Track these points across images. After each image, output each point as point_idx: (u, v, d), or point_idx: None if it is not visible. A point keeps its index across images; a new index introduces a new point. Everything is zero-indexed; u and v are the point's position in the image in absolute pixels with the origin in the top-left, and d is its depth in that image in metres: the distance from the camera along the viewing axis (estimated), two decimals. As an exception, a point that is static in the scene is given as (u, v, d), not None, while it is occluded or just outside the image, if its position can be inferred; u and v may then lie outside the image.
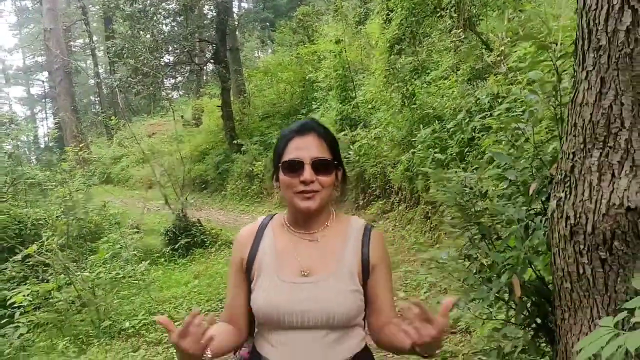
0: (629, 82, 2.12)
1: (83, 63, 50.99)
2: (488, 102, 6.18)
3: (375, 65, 10.77)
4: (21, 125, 16.43)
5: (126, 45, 15.25)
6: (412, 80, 9.34)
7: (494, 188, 3.39)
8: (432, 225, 7.60)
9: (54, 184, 10.35)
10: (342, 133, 10.79)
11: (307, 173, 1.68)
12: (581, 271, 2.32)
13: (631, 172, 2.13)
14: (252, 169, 14.76)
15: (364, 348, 1.79)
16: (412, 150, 7.65)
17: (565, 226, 2.36)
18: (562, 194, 2.40)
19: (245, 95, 19.50)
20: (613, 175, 2.18)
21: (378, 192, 9.85)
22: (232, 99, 18.46)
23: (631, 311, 1.85)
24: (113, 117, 14.78)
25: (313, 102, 15.39)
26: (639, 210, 2.11)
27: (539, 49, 2.81)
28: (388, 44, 8.93)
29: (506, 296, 2.91)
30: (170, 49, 16.42)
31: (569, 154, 2.38)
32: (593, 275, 2.29)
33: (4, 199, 8.93)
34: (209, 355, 1.54)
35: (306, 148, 1.71)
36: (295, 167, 1.70)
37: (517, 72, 4.59)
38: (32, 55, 58.34)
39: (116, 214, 10.71)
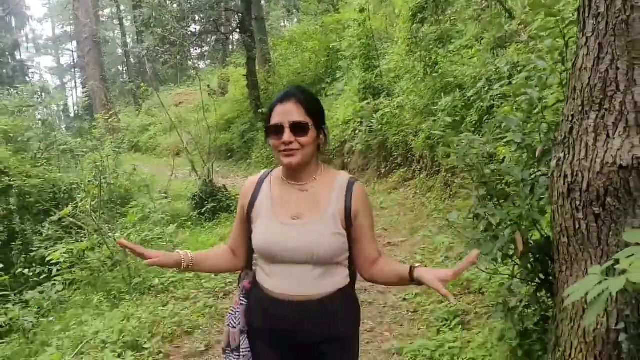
0: (625, 48, 2.25)
1: (111, 33, 51.40)
2: (508, 70, 6.24)
3: (398, 34, 10.79)
4: (53, 94, 16.87)
5: (154, 15, 15.41)
6: (436, 49, 9.37)
7: (503, 151, 3.55)
8: (451, 193, 7.73)
9: (85, 150, 10.69)
10: (365, 102, 10.86)
11: (286, 135, 1.95)
12: (577, 226, 2.49)
13: (624, 132, 2.28)
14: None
15: (347, 285, 2.10)
16: (433, 118, 7.75)
17: (564, 184, 2.52)
18: (562, 154, 2.55)
19: (270, 64, 19.57)
20: (608, 135, 2.33)
21: (400, 160, 9.96)
22: (257, 68, 18.55)
23: (618, 261, 2.02)
24: (142, 85, 14.96)
25: (337, 71, 15.42)
26: (630, 168, 2.26)
27: (547, 16, 2.92)
28: (411, 13, 8.96)
29: (512, 253, 3.08)
30: (197, 18, 16.55)
31: (568, 117, 2.53)
32: (588, 230, 2.45)
33: (39, 164, 9.30)
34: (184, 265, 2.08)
35: (285, 113, 1.97)
36: (277, 130, 1.97)
37: (538, 41, 4.65)
38: (61, 25, 58.94)
39: (145, 180, 10.99)
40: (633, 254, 2.03)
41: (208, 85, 15.52)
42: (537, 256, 3.04)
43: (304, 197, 2.06)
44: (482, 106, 6.91)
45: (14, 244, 7.83)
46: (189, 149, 10.51)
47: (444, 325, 4.38)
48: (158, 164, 16.41)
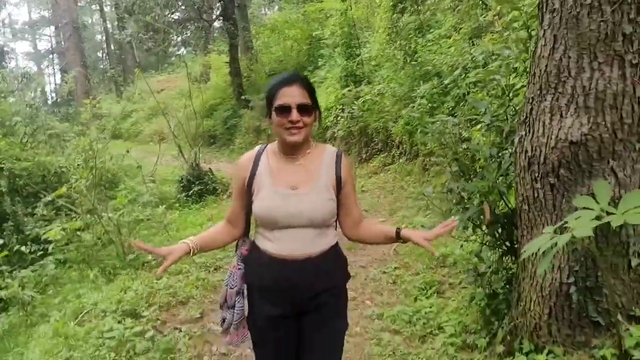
0: (575, 39, 2.62)
1: (89, 18, 50.90)
2: (483, 59, 6.59)
3: (379, 23, 11.10)
4: (35, 79, 16.89)
5: (137, 2, 15.53)
6: (415, 38, 9.70)
7: (475, 133, 3.91)
8: (429, 177, 8.11)
9: (72, 135, 10.86)
10: (347, 89, 11.18)
11: (294, 115, 2.19)
12: (536, 195, 2.86)
13: (575, 113, 2.65)
14: (260, 124, 15.22)
15: (336, 243, 2.40)
16: (411, 105, 8.10)
17: (524, 159, 2.89)
18: (523, 132, 2.92)
19: (252, 52, 19.77)
20: (561, 115, 2.69)
21: (380, 145, 10.32)
22: (239, 55, 18.76)
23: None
24: (137, 70, 15.05)
25: (319, 59, 15.68)
26: (579, 144, 2.63)
27: (513, 9, 3.27)
28: (391, 3, 9.29)
29: (480, 223, 3.45)
30: (180, 5, 16.67)
31: (529, 99, 2.89)
32: (544, 198, 2.83)
33: (28, 148, 9.47)
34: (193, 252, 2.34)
35: (292, 95, 2.20)
36: (284, 110, 2.20)
37: (510, 31, 4.99)
38: (38, 10, 58.09)
39: (135, 164, 11.19)
40: (580, 216, 2.41)
41: (190, 73, 15.72)
42: (504, 225, 3.41)
43: (300, 170, 2.31)
44: (458, 93, 7.28)
45: (5, 224, 8.01)
46: (175, 133, 10.73)
47: (421, 294, 4.74)
48: (141, 151, 16.57)
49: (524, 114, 2.93)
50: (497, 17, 7.54)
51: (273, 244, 2.28)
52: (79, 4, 37.58)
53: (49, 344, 4.32)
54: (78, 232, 6.82)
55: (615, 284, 2.67)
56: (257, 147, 2.45)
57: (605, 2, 2.50)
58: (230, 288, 2.39)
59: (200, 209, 9.10)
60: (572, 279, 2.75)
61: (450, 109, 7.35)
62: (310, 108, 2.24)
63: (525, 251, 2.49)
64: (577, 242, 2.70)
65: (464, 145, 3.46)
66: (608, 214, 2.35)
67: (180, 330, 4.42)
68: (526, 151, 2.87)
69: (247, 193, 2.35)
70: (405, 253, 5.77)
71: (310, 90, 2.27)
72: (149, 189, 8.67)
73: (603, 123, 2.58)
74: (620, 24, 2.49)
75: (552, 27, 2.71)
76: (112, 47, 37.46)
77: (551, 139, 2.71)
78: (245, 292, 2.40)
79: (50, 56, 58.52)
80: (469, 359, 3.50)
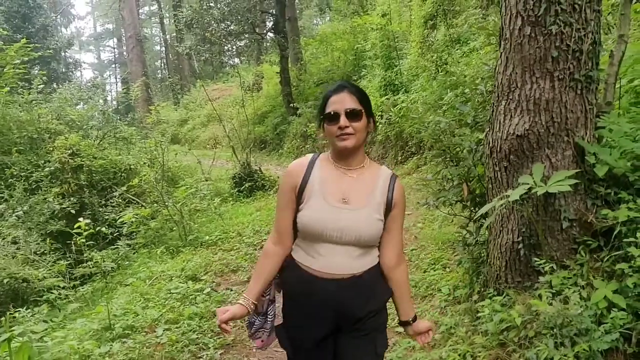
0: (520, 60, 3.57)
1: (148, 30, 53.57)
2: (490, 70, 7.46)
3: (412, 38, 12.05)
4: (103, 87, 18.54)
5: (195, 17, 16.95)
6: (447, 50, 10.61)
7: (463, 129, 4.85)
8: (431, 166, 8.99)
9: (138, 137, 12.26)
10: (385, 97, 12.18)
11: (342, 120, 2.16)
12: (496, 175, 3.81)
13: (520, 114, 3.60)
14: (307, 130, 16.33)
15: (377, 263, 2.31)
16: (437, 111, 9.01)
17: (488, 148, 3.85)
18: (488, 129, 3.88)
19: (301, 62, 20.96)
20: (511, 116, 3.65)
21: (414, 149, 11.26)
22: (289, 65, 19.95)
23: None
24: (199, 81, 16.45)
25: (363, 69, 16.72)
26: (523, 137, 3.57)
27: (489, 35, 4.22)
28: (423, 20, 10.23)
29: (460, 198, 4.40)
30: (235, 20, 18.01)
31: (492, 104, 3.85)
32: (501, 178, 3.77)
33: (103, 148, 10.87)
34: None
35: (340, 102, 2.19)
36: (333, 117, 2.18)
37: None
38: (102, 23, 61.39)
39: (189, 166, 12.49)
40: (517, 188, 3.36)
41: (243, 82, 17.00)
42: (481, 202, 4.35)
43: (353, 183, 2.24)
44: (477, 101, 8.15)
45: (84, 213, 9.33)
46: (229, 137, 11.96)
47: (429, 267, 5.68)
48: (198, 155, 17.97)
49: (489, 115, 3.89)
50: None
51: (315, 260, 2.21)
52: (140, 16, 39.85)
53: (129, 297, 5.47)
54: (146, 219, 8.06)
55: (551, 242, 3.58)
56: (310, 155, 2.36)
57: (540, 33, 3.45)
58: (263, 296, 2.34)
59: (250, 202, 10.26)
60: (520, 239, 3.68)
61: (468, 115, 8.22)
62: (359, 113, 2.20)
63: (478, 214, 3.45)
64: (524, 210, 3.63)
65: (454, 140, 4.42)
66: (539, 187, 3.29)
67: (231, 290, 5.52)
68: (489, 143, 3.82)
69: (297, 201, 2.26)
70: (423, 238, 6.71)
71: (361, 96, 2.25)
72: (205, 185, 9.88)
73: (540, 121, 3.51)
74: (550, 49, 3.43)
75: (505, 51, 3.67)
76: (171, 57, 39.48)
77: (504, 133, 3.66)
78: (279, 300, 2.39)
79: (113, 66, 61.56)
80: (455, 309, 4.43)
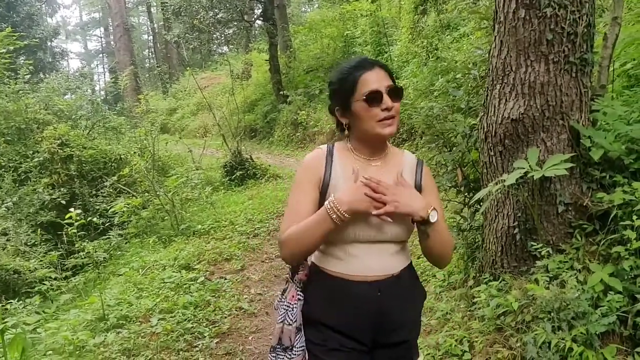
0: (515, 43, 3.54)
1: (135, 19, 53.06)
2: (486, 55, 7.44)
3: (403, 24, 12.00)
4: (90, 77, 18.39)
5: (184, 4, 16.78)
6: (438, 36, 10.57)
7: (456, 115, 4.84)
8: (423, 152, 9.00)
9: (128, 127, 12.17)
10: (376, 84, 12.12)
11: (388, 100, 1.81)
12: (491, 160, 3.80)
13: (515, 98, 3.57)
14: (297, 118, 16.28)
15: (410, 261, 2.03)
16: (429, 97, 8.99)
17: (483, 133, 3.83)
18: (482, 113, 3.86)
19: (291, 50, 20.84)
20: (506, 100, 3.62)
21: (405, 135, 11.24)
22: (278, 53, 19.84)
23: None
24: (188, 69, 16.32)
25: (353, 56, 16.64)
26: (517, 120, 3.56)
27: (482, 19, 4.19)
28: (413, 6, 10.18)
29: (455, 184, 4.39)
30: (223, 7, 17.84)
31: (486, 88, 3.83)
32: (496, 162, 3.76)
33: (92, 138, 10.77)
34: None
35: (378, 80, 1.83)
36: (375, 97, 1.80)
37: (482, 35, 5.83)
38: (88, 12, 60.68)
39: (179, 155, 12.42)
40: (515, 171, 3.35)
41: (232, 71, 16.90)
42: (475, 188, 4.34)
43: (379, 172, 1.89)
44: (470, 85, 8.14)
45: (74, 204, 9.26)
46: (220, 126, 11.90)
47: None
48: (188, 144, 17.90)
49: (483, 99, 3.87)
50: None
51: (346, 264, 1.88)
52: (127, 5, 39.40)
53: (122, 287, 5.44)
54: (137, 209, 8.01)
55: (547, 226, 3.58)
56: (323, 146, 2.00)
57: (534, 16, 3.42)
58: (288, 324, 1.91)
59: (242, 191, 10.22)
60: (515, 223, 3.67)
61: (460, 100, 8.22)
62: (400, 91, 1.88)
63: (474, 199, 3.43)
64: (519, 195, 3.62)
65: (447, 126, 4.40)
66: (535, 171, 3.28)
67: (225, 278, 5.49)
68: (484, 127, 3.80)
69: (320, 197, 1.89)
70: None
71: (391, 74, 1.93)
72: (196, 174, 9.82)
73: (535, 105, 3.49)
74: (544, 32, 3.41)
75: (499, 34, 3.64)
76: (159, 46, 39.17)
77: (499, 117, 3.64)
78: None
79: (100, 56, 61.00)
80: (450, 295, 4.43)
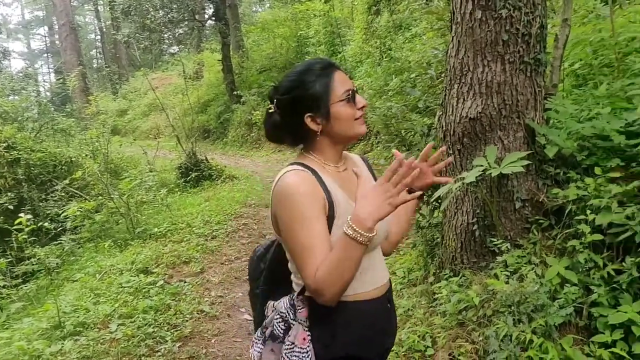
0: (472, 44, 3.62)
1: (81, 18, 51.69)
2: (441, 55, 7.59)
3: (356, 24, 12.09)
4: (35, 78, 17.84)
5: (133, 3, 16.45)
6: (391, 36, 10.69)
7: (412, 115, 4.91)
8: (378, 150, 9.12)
9: (78, 129, 11.86)
10: (330, 84, 12.17)
11: (361, 98, 1.75)
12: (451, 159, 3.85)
13: (473, 97, 3.65)
14: (251, 118, 16.20)
15: None
16: (384, 97, 9.10)
17: (441, 132, 3.89)
18: (440, 112, 3.92)
19: (243, 50, 20.73)
20: (464, 99, 3.70)
21: (360, 135, 11.35)
22: (231, 53, 19.71)
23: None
24: (141, 70, 15.94)
25: (307, 56, 16.67)
26: (475, 120, 3.63)
27: (438, 20, 4.26)
28: (367, 6, 10.27)
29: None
30: (174, 7, 17.59)
31: (444, 87, 3.90)
32: (455, 161, 3.83)
33: (40, 141, 10.44)
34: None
35: (347, 80, 1.76)
36: (352, 96, 1.73)
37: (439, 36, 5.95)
38: (31, 10, 58.70)
39: (132, 157, 12.18)
40: (474, 169, 3.42)
41: (184, 71, 16.69)
42: (435, 186, 4.41)
43: (352, 179, 1.70)
44: (426, 85, 8.28)
45: (23, 208, 8.96)
46: (174, 126, 11.72)
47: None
48: (139, 146, 17.57)
49: (441, 99, 3.94)
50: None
51: (360, 282, 1.71)
52: (72, 3, 38.34)
53: (78, 293, 5.30)
54: (91, 213, 7.81)
55: (505, 222, 3.67)
56: (296, 167, 1.72)
57: (490, 17, 3.51)
58: None
59: (197, 192, 10.09)
60: (474, 220, 3.76)
61: (417, 100, 8.35)
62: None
63: (433, 197, 3.49)
64: (478, 192, 3.70)
65: (405, 125, 4.46)
66: (493, 168, 3.36)
67: (185, 282, 5.42)
68: (442, 126, 3.87)
69: (330, 226, 1.67)
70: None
71: None
72: (150, 176, 9.65)
73: (492, 104, 3.58)
74: (500, 33, 3.50)
75: (457, 35, 3.72)
76: (107, 45, 38.27)
77: (457, 116, 3.72)
78: None
79: (45, 55, 59.12)
80: (411, 292, 4.49)
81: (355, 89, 1.76)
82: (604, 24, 5.05)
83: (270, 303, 1.82)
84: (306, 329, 1.68)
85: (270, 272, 1.94)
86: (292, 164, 1.76)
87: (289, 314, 1.72)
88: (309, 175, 1.69)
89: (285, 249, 1.72)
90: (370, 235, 1.51)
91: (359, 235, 1.50)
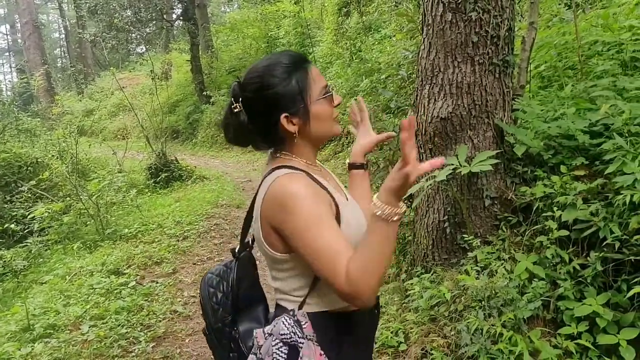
0: (443, 45, 3.70)
1: (45, 16, 50.66)
2: (412, 56, 7.70)
3: (327, 25, 12.17)
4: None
5: (100, 2, 16.23)
6: (360, 38, 10.79)
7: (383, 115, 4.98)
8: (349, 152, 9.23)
9: (43, 129, 11.65)
10: (301, 85, 12.23)
11: (338, 97, 1.65)
12: (422, 158, 3.94)
13: (443, 97, 3.73)
14: (221, 119, 16.13)
15: None
16: (354, 98, 9.17)
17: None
18: (412, 112, 4.00)
19: (213, 50, 20.63)
20: (435, 100, 3.78)
21: (331, 135, 11.42)
22: (200, 53, 19.59)
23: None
24: (111, 69, 15.63)
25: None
26: (446, 119, 3.72)
27: (408, 22, 4.34)
28: (337, 7, 10.35)
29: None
30: (142, 6, 17.42)
31: (416, 88, 3.98)
32: (426, 160, 3.89)
33: (5, 141, 10.23)
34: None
35: (320, 75, 1.63)
36: (329, 94, 1.62)
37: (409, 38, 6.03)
38: (-8, 7, 57.29)
39: (99, 158, 12.03)
40: (445, 168, 3.50)
41: (151, 70, 16.51)
42: (407, 185, 4.50)
43: (327, 179, 1.67)
44: (394, 86, 8.39)
45: (-14, 211, 8.78)
46: (143, 127, 11.61)
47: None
48: (107, 147, 17.33)
49: (413, 99, 4.01)
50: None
51: None
52: (36, 1, 37.59)
53: (47, 295, 5.23)
54: (58, 214, 7.70)
55: (475, 219, 3.76)
56: (289, 171, 1.55)
57: (460, 19, 3.59)
58: None
59: (168, 193, 10.03)
60: (445, 217, 3.84)
61: (388, 100, 8.45)
62: None
63: (405, 196, 3.56)
64: (449, 190, 3.79)
65: (376, 125, 4.52)
66: (463, 167, 3.45)
67: (157, 282, 5.39)
68: (414, 126, 3.94)
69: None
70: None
71: None
72: (120, 177, 9.54)
73: (462, 104, 3.67)
74: (470, 35, 3.59)
75: (428, 36, 3.80)
76: (72, 44, 37.60)
77: (429, 116, 3.80)
78: None
79: (7, 54, 57.76)
80: (384, 289, 4.55)
81: (330, 86, 1.63)
82: (567, 28, 5.21)
83: (259, 331, 1.58)
84: (316, 344, 1.52)
85: (235, 297, 1.71)
86: (278, 167, 1.56)
87: (294, 334, 1.51)
88: (302, 175, 1.53)
89: (305, 258, 1.45)
90: (402, 211, 1.37)
91: (393, 214, 1.35)
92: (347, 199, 1.67)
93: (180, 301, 5.00)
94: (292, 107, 1.55)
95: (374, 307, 1.66)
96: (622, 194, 2.91)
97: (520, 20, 5.08)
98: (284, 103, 1.54)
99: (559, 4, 6.25)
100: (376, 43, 10.74)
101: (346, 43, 10.35)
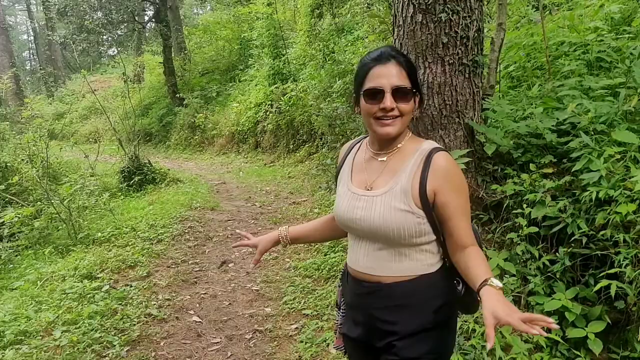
0: (413, 46, 3.75)
1: (11, 18, 49.79)
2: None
3: (300, 27, 12.19)
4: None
5: (70, 3, 16.01)
6: (333, 39, 10.83)
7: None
8: (327, 152, 9.24)
9: (12, 133, 11.44)
10: (274, 86, 12.23)
11: (388, 101, 1.70)
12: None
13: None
14: (194, 121, 16.04)
15: (434, 272, 1.82)
16: (328, 99, 9.21)
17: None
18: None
19: (185, 52, 20.51)
20: (407, 100, 3.81)
21: (305, 137, 11.43)
22: (173, 55, 19.46)
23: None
24: (83, 72, 15.42)
25: (249, 59, 16.66)
26: (417, 119, 3.76)
27: (380, 23, 4.39)
28: (309, 9, 10.38)
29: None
30: (113, 7, 17.25)
31: (387, 89, 4.01)
32: (399, 159, 3.94)
33: (-28, 145, 10.03)
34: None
35: (386, 76, 1.71)
36: (376, 94, 1.72)
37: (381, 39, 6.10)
38: (-42, 9, 56.09)
39: (71, 162, 11.86)
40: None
41: (123, 73, 16.35)
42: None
43: (383, 167, 1.82)
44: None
45: (-47, 217, 8.58)
46: (115, 130, 11.49)
47: (330, 250, 5.82)
48: (78, 150, 17.10)
49: (385, 100, 4.06)
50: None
51: (349, 253, 1.94)
52: (2, 2, 36.86)
53: (17, 302, 5.14)
54: (29, 219, 7.56)
55: (447, 217, 3.82)
56: (359, 137, 2.06)
57: (430, 21, 3.65)
58: (339, 286, 2.15)
59: (141, 196, 9.92)
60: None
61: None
62: (409, 92, 1.74)
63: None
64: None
65: (350, 126, 4.56)
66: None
67: (131, 286, 5.34)
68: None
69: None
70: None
71: (410, 69, 1.78)
72: (92, 180, 9.42)
73: (433, 104, 3.72)
74: (440, 36, 3.64)
75: (399, 37, 3.84)
76: (41, 47, 37.00)
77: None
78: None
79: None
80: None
81: (391, 88, 1.70)
82: (535, 29, 5.32)
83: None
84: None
85: None
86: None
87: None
88: (349, 143, 2.07)
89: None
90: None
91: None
92: (368, 190, 1.82)
93: (154, 304, 4.96)
94: (355, 92, 1.85)
95: (359, 284, 1.88)
96: (588, 190, 2.99)
97: (489, 22, 5.16)
98: (355, 88, 1.84)
99: (527, 6, 6.37)
100: (349, 44, 10.80)
101: (319, 45, 10.38)
